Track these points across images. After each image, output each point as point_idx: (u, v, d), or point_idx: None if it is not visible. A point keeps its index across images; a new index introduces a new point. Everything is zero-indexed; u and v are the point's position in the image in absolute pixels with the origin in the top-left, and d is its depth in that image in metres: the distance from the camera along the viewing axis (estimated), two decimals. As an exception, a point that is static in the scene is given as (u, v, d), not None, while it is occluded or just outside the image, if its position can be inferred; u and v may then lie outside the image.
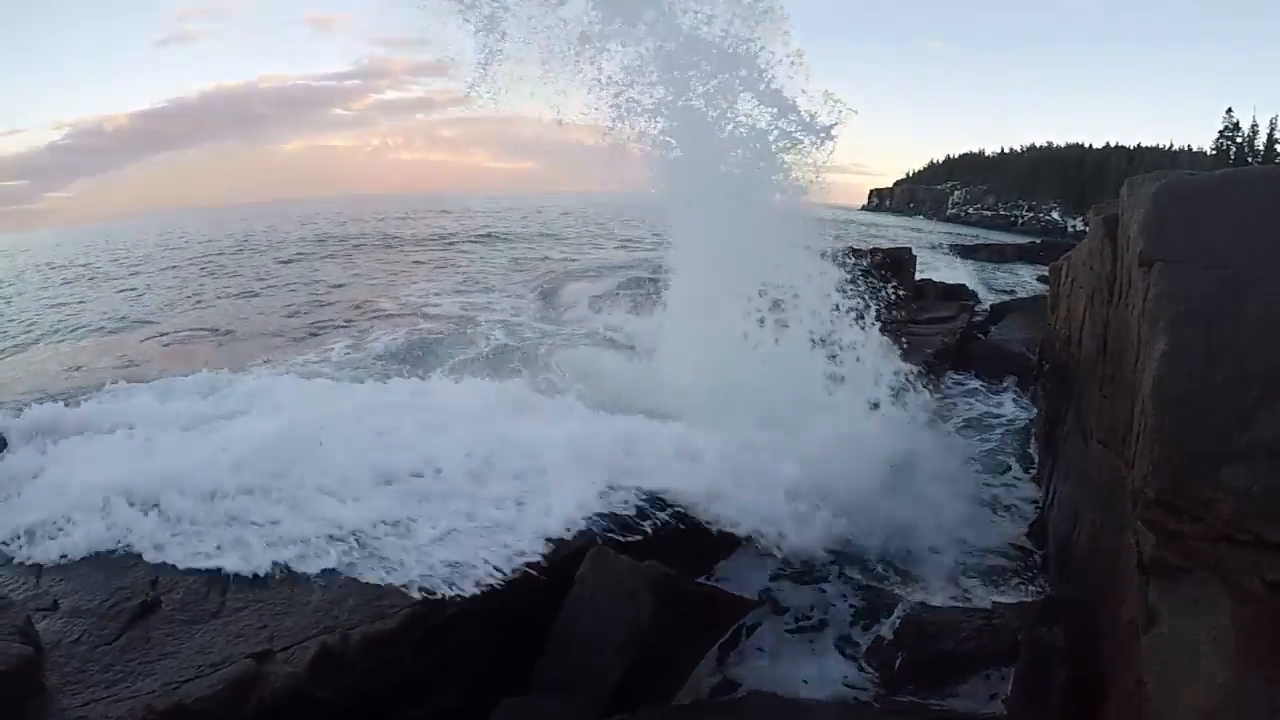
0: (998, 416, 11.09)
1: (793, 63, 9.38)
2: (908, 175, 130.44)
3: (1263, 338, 3.58)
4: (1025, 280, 28.56)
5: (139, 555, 5.18)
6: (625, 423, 7.84)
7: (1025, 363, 12.41)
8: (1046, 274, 13.68)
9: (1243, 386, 3.50)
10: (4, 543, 5.41)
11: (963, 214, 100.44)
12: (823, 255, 9.49)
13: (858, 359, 8.78)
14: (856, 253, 13.70)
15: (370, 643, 4.44)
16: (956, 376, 12.90)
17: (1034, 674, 4.66)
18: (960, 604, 5.96)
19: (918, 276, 19.15)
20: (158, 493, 5.84)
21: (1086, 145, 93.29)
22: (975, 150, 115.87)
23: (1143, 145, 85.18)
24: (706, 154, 9.96)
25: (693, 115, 9.82)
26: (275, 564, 5.13)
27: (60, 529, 5.48)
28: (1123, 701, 3.68)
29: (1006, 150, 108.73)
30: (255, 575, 5.02)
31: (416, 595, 4.82)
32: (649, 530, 6.08)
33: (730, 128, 9.78)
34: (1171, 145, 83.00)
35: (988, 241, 50.21)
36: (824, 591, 6.28)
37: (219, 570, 5.04)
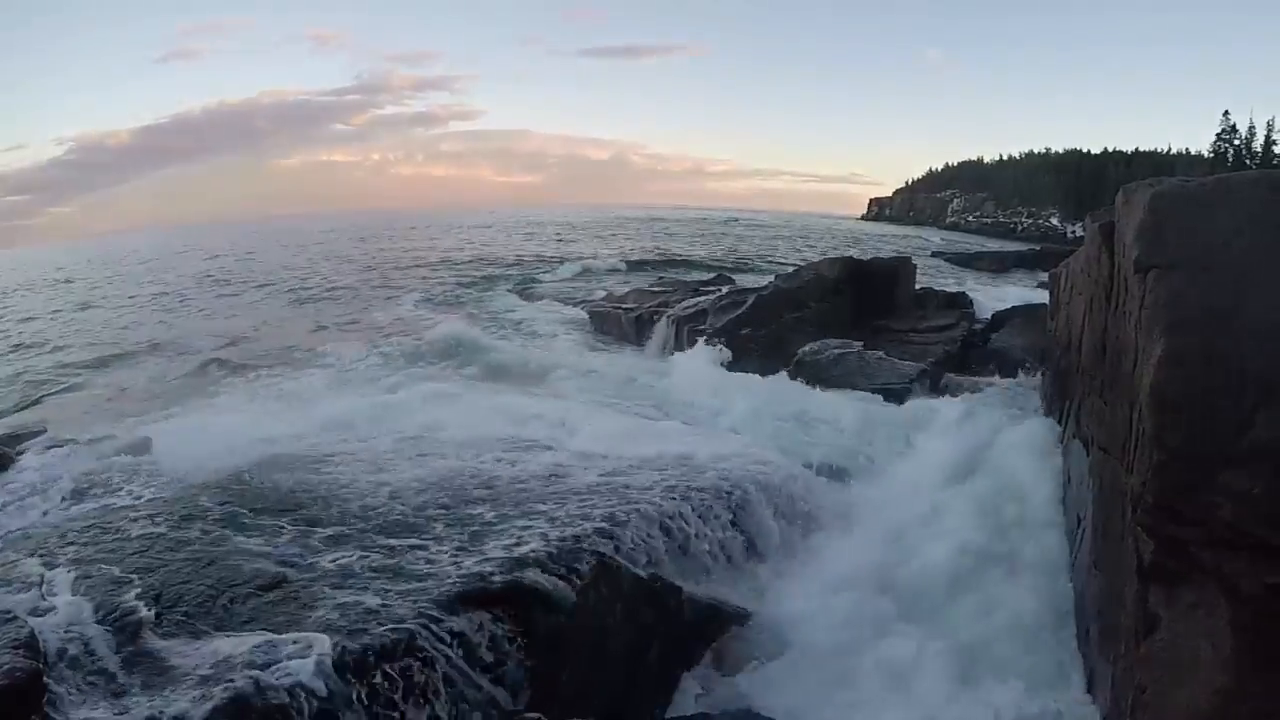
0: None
1: None
2: (907, 184, 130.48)
3: (1259, 342, 3.60)
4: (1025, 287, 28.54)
5: (146, 566, 5.20)
6: None
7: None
8: (1046, 281, 13.71)
9: (1240, 391, 3.51)
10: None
11: (962, 222, 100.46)
12: None
13: None
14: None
15: (377, 653, 4.45)
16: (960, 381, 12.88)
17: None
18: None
19: (917, 285, 19.18)
20: None
21: (1085, 151, 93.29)
22: (974, 158, 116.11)
23: (1140, 149, 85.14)
24: None
25: None
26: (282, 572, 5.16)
27: None
28: (1124, 708, 3.68)
29: (1005, 157, 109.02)
30: (263, 585, 5.04)
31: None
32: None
33: None
34: (1169, 149, 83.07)
35: (988, 249, 50.25)
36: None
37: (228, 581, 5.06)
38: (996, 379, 11.92)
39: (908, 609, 5.99)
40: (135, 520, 5.98)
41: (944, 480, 7.91)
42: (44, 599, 4.81)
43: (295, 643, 4.44)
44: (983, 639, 5.54)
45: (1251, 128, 62.66)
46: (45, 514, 6.66)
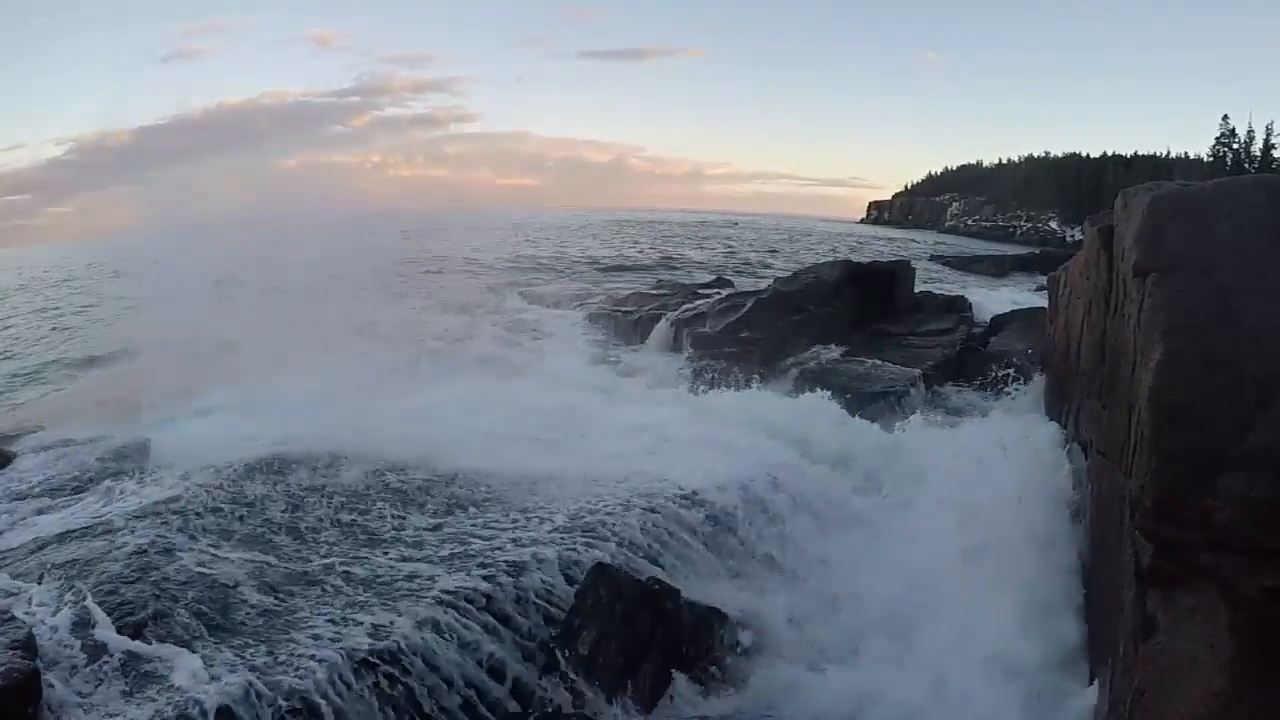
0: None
1: None
2: (906, 188, 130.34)
3: (1258, 345, 3.60)
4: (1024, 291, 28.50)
5: (143, 569, 5.19)
6: None
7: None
8: (1045, 284, 13.70)
9: (1239, 394, 3.51)
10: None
11: (961, 226, 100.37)
12: None
13: None
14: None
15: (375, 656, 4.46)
16: (956, 389, 12.89)
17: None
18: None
19: (917, 289, 19.19)
20: None
21: (1084, 155, 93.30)
22: (973, 162, 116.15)
23: (1139, 153, 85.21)
24: None
25: None
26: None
27: None
28: (1124, 711, 3.68)
29: (1004, 161, 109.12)
30: (257, 589, 5.04)
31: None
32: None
33: None
34: (1168, 153, 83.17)
35: (986, 253, 50.24)
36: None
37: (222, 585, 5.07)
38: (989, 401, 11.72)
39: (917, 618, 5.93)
40: (133, 523, 5.98)
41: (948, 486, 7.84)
42: (41, 600, 4.81)
43: (291, 649, 4.46)
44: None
45: (1250, 132, 62.95)
46: (43, 514, 6.64)
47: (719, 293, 19.61)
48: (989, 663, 5.22)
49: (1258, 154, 61.38)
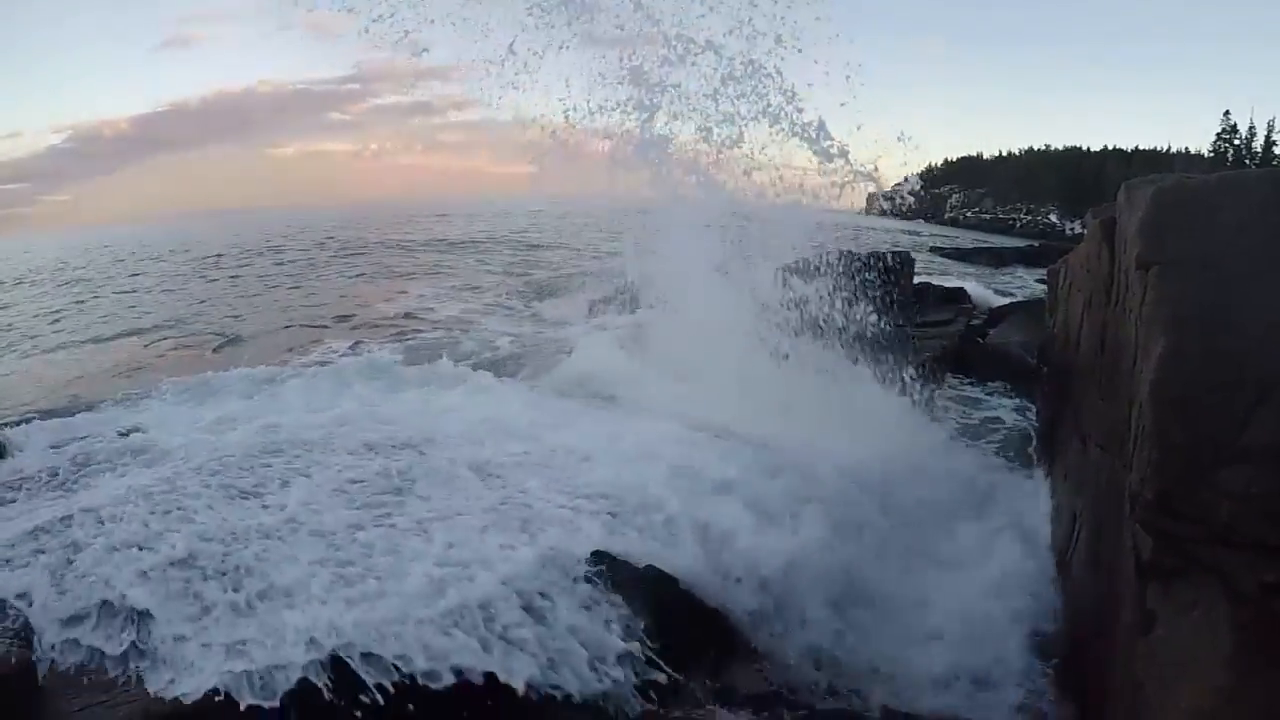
0: (997, 421, 11.10)
1: None
2: (905, 179, 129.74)
3: (1260, 341, 3.59)
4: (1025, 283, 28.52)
5: (138, 555, 5.15)
6: None
7: (1024, 366, 12.39)
8: (1045, 277, 13.68)
9: (1240, 389, 3.51)
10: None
11: (961, 217, 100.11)
12: None
13: None
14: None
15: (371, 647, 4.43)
16: (954, 380, 12.90)
17: None
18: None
19: (916, 280, 19.15)
20: None
21: (1084, 148, 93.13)
22: (973, 153, 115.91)
23: (1140, 148, 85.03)
24: None
25: None
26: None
27: None
28: (1122, 705, 3.68)
29: (1004, 153, 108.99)
30: (257, 574, 5.02)
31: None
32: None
33: None
34: (1169, 147, 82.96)
35: (986, 245, 50.16)
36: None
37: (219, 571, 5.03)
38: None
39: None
40: (125, 507, 5.93)
41: None
42: (36, 588, 4.79)
43: (287, 639, 4.44)
44: None
45: (1252, 128, 63.07)
46: (33, 500, 6.61)
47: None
48: None
49: (1259, 150, 61.43)
